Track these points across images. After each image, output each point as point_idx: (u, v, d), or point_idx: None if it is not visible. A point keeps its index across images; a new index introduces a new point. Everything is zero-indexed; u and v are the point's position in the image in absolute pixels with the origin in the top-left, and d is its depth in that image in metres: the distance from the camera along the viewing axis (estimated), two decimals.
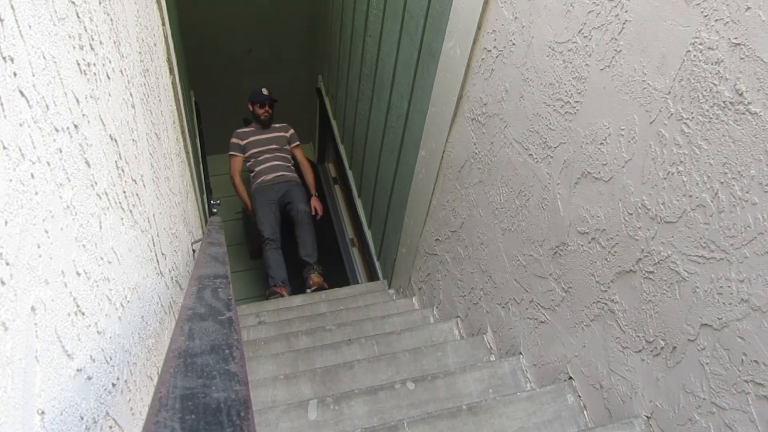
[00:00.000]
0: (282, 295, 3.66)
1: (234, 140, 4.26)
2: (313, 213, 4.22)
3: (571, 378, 1.62)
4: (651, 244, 1.23)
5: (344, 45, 4.00)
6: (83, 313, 0.64)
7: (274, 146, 4.27)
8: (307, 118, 5.64)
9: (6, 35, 0.50)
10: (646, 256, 1.25)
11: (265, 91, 4.26)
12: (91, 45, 0.82)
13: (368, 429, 1.50)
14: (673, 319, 1.20)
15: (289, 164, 4.34)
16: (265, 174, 4.21)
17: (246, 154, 4.26)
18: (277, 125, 4.37)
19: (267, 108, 4.26)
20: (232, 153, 4.25)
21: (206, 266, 0.97)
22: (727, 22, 0.97)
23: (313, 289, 3.76)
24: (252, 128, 4.32)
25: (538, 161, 1.62)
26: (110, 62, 0.95)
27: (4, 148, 0.47)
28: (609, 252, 1.37)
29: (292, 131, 4.43)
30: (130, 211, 0.96)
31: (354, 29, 3.65)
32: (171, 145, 1.85)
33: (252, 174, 4.27)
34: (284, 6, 4.68)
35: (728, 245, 1.03)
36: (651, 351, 1.27)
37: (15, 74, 0.51)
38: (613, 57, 1.26)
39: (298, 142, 4.43)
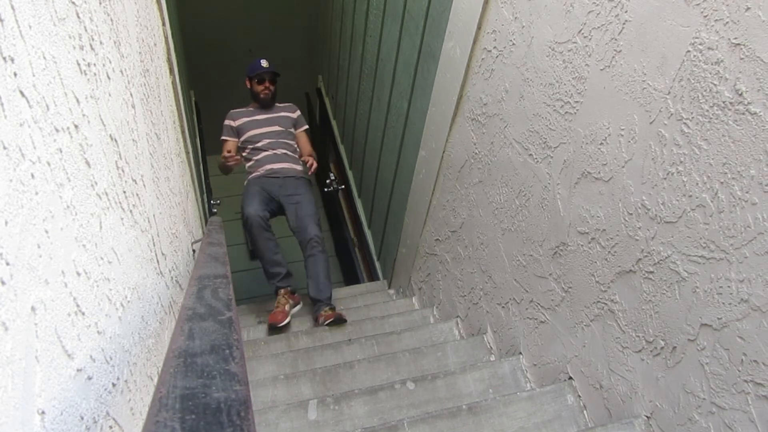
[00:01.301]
0: (281, 319, 2.73)
1: (226, 122, 3.31)
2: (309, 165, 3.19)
3: (571, 378, 1.62)
4: (651, 244, 1.23)
5: (344, 45, 4.00)
6: (83, 313, 0.64)
7: (277, 129, 3.24)
8: (307, 118, 5.64)
9: (6, 35, 0.50)
10: (646, 256, 1.25)
11: (264, 63, 3.32)
12: (91, 45, 0.82)
13: (368, 429, 1.50)
14: (673, 319, 1.20)
15: (297, 155, 3.30)
16: (265, 164, 3.16)
17: (241, 140, 3.25)
18: (281, 104, 3.39)
19: (267, 84, 3.29)
20: (223, 137, 3.28)
21: (206, 266, 0.97)
22: (727, 23, 0.97)
23: (328, 322, 2.66)
24: (250, 108, 3.35)
25: (538, 161, 1.62)
26: (110, 62, 0.95)
27: (4, 148, 0.47)
28: (609, 252, 1.37)
29: (299, 113, 3.41)
30: (130, 211, 0.96)
31: (354, 29, 3.65)
32: (171, 145, 1.85)
33: (248, 165, 3.24)
34: (284, 6, 4.68)
35: (728, 245, 1.03)
36: (651, 351, 1.27)
37: (15, 74, 0.52)
38: (613, 57, 1.26)
39: (306, 126, 3.41)
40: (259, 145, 3.19)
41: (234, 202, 5.42)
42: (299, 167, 3.23)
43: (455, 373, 1.86)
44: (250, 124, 3.24)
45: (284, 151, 3.22)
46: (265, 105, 3.30)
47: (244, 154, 3.26)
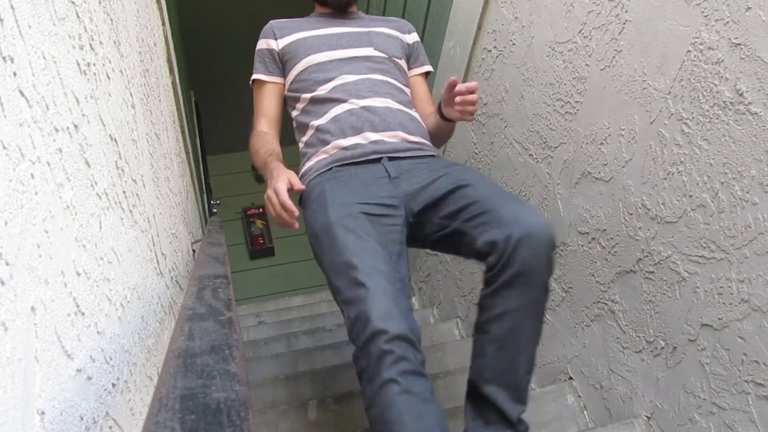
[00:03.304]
0: None
1: (261, 44, 1.54)
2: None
3: (571, 378, 1.62)
4: (651, 244, 1.23)
5: None
6: (83, 313, 0.64)
7: (370, 53, 1.45)
8: None
9: (6, 35, 0.50)
10: (647, 256, 1.24)
11: None
12: (91, 45, 0.82)
13: (368, 429, 1.50)
14: (673, 319, 1.20)
15: (411, 108, 1.44)
16: (344, 133, 1.33)
17: (291, 77, 1.46)
18: (375, 16, 1.68)
19: None
20: (255, 76, 1.54)
21: (206, 266, 0.97)
22: (728, 22, 0.97)
23: None
24: (311, 17, 1.56)
25: (538, 161, 1.62)
26: (110, 62, 0.95)
27: (4, 148, 0.47)
28: (609, 252, 1.37)
29: (416, 37, 1.61)
30: (130, 211, 0.96)
31: None
32: (171, 145, 1.85)
33: (304, 137, 1.43)
34: (284, 6, 4.69)
35: (728, 245, 1.03)
36: (651, 351, 1.27)
37: (15, 74, 0.51)
38: (614, 57, 1.26)
39: (429, 67, 1.62)
40: (330, 87, 1.38)
41: (235, 202, 5.38)
42: (423, 133, 1.40)
43: (455, 373, 1.86)
44: (311, 42, 1.44)
45: (390, 103, 1.37)
46: (338, 7, 1.53)
47: (294, 113, 1.46)
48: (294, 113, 1.46)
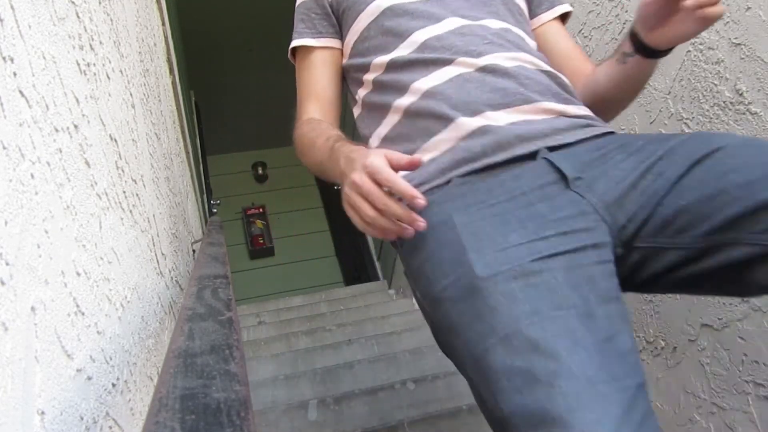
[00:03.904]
0: None
1: None
2: None
3: None
4: None
5: None
6: (83, 313, 0.64)
7: None
8: None
9: (6, 35, 0.50)
10: None
11: None
12: (91, 45, 0.82)
13: (368, 429, 1.50)
14: (673, 319, 1.20)
15: (548, 67, 0.84)
16: (458, 110, 0.77)
17: (355, 35, 0.92)
18: None
19: None
20: (295, 42, 1.03)
21: (206, 266, 0.97)
22: (728, 22, 0.97)
23: None
24: None
25: None
26: (110, 62, 0.95)
27: (4, 148, 0.47)
28: None
29: None
30: (130, 211, 0.96)
31: None
32: (171, 145, 1.85)
33: (381, 128, 0.86)
34: (284, 6, 4.69)
35: None
36: (651, 351, 1.27)
37: (15, 74, 0.51)
38: None
39: (565, 7, 0.98)
40: (420, 42, 0.85)
41: (235, 202, 5.39)
42: (576, 103, 0.83)
43: (455, 373, 1.86)
44: None
45: (522, 59, 0.83)
46: None
47: (362, 91, 0.92)
48: (361, 91, 0.92)
